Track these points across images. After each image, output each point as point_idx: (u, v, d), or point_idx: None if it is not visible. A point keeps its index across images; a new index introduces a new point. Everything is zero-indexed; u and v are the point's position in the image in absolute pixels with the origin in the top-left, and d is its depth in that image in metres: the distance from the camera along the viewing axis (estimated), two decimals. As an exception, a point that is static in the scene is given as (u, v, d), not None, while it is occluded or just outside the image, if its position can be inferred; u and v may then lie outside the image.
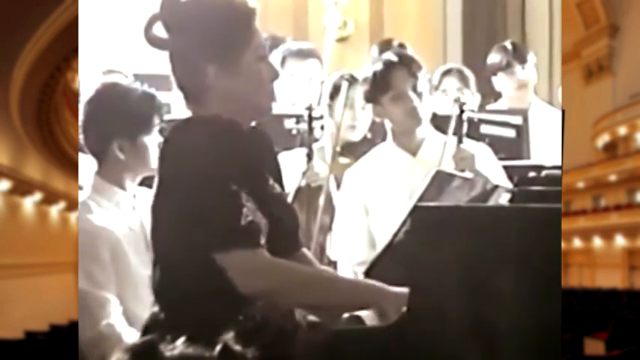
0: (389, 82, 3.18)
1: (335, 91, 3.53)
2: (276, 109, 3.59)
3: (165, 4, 2.09)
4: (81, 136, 2.79)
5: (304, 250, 2.25)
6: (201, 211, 1.96)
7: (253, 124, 2.17)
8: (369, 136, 3.59)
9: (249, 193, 2.00)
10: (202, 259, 1.97)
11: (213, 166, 1.97)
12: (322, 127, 3.54)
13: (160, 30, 2.10)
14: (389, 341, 1.98)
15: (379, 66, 3.21)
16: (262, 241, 2.00)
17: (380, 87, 3.19)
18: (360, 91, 3.48)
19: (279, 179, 2.20)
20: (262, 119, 2.18)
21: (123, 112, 2.70)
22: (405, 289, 2.02)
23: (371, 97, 3.23)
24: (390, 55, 3.23)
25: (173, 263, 2.03)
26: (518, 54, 4.24)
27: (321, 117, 3.56)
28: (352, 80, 3.50)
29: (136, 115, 2.70)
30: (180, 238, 2.00)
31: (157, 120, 2.71)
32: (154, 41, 2.10)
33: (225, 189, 1.97)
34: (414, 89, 3.17)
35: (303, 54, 4.00)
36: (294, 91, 3.95)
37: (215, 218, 1.96)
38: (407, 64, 3.19)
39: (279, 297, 2.00)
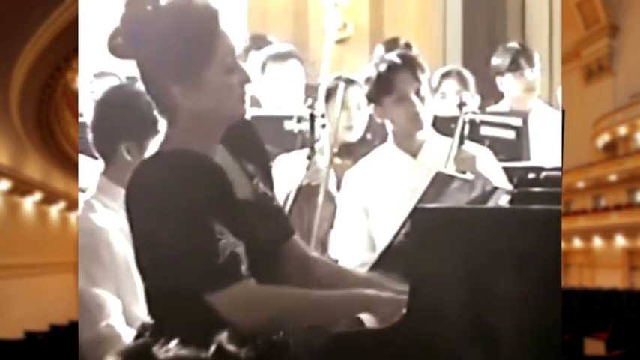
0: (392, 84, 3.16)
1: (330, 93, 3.53)
2: (265, 112, 3.60)
3: (124, 20, 2.07)
4: (90, 136, 2.78)
5: (295, 237, 2.23)
6: (177, 255, 1.95)
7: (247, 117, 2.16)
8: (368, 137, 3.59)
9: (224, 222, 1.98)
10: (189, 293, 1.97)
11: (179, 205, 1.95)
12: (323, 126, 3.54)
13: (122, 42, 2.08)
14: (389, 343, 1.98)
15: (383, 67, 3.19)
16: (243, 269, 1.98)
17: (383, 89, 3.18)
18: (355, 91, 3.48)
19: (264, 170, 2.19)
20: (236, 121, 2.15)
21: (132, 115, 2.70)
22: (401, 295, 2.03)
23: (373, 97, 3.22)
24: (395, 57, 3.21)
25: (160, 281, 2.02)
26: (528, 56, 4.23)
27: (323, 116, 3.56)
28: (347, 82, 3.50)
29: (145, 117, 2.69)
30: (160, 264, 1.99)
31: None
32: (117, 52, 2.08)
33: (196, 228, 1.95)
34: (417, 93, 3.16)
35: (281, 56, 4.01)
36: (277, 94, 3.96)
37: (193, 262, 1.95)
38: (411, 66, 3.18)
39: (276, 325, 1.97)
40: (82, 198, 2.79)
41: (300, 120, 3.53)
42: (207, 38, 2.05)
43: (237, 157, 2.14)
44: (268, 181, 2.20)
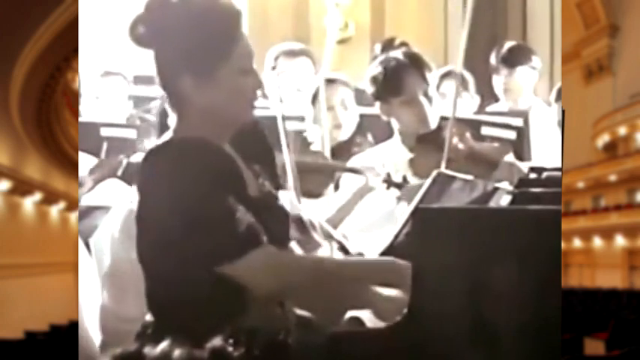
0: (401, 85, 3.17)
1: (315, 96, 3.52)
2: (271, 109, 3.60)
3: (149, 8, 2.09)
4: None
5: (291, 245, 2.25)
6: (196, 227, 1.97)
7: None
8: (357, 140, 3.59)
9: (235, 201, 2.01)
10: (198, 271, 1.99)
11: (196, 183, 1.98)
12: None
13: (144, 30, 2.10)
14: (390, 342, 1.98)
15: (391, 67, 3.19)
16: (264, 238, 2.01)
17: (391, 89, 3.18)
18: (335, 90, 3.47)
19: (270, 172, 2.21)
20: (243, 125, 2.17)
21: None
22: (402, 293, 2.03)
23: (379, 96, 3.22)
24: (403, 57, 3.21)
25: (164, 275, 2.04)
26: (509, 58, 4.23)
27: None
28: (327, 81, 3.49)
29: None
30: (169, 253, 2.01)
31: None
32: (139, 39, 2.10)
33: (214, 201, 1.98)
34: (425, 94, 3.17)
35: (293, 53, 4.02)
36: (283, 89, 3.95)
37: (214, 232, 1.97)
38: (420, 67, 3.18)
39: (290, 295, 2.03)
40: (82, 197, 2.78)
41: (298, 120, 3.53)
42: (228, 37, 2.08)
43: (244, 157, 2.15)
44: (274, 182, 2.21)
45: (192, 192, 1.98)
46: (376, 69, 3.23)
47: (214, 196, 1.99)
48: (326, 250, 2.99)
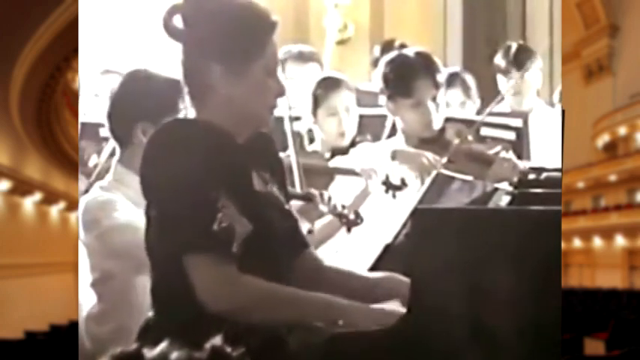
0: (412, 88, 3.16)
1: (317, 100, 3.48)
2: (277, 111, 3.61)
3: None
4: (106, 122, 2.77)
5: (310, 249, 2.23)
6: (177, 214, 1.97)
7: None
8: (368, 137, 3.58)
9: (232, 197, 2.00)
10: (178, 261, 1.98)
11: (191, 169, 1.98)
12: (312, 140, 3.53)
13: (178, 21, 2.10)
14: (389, 343, 1.98)
15: (404, 67, 3.18)
16: (234, 249, 1.98)
17: (401, 90, 3.17)
18: (341, 96, 3.44)
19: (279, 181, 2.21)
20: (259, 129, 2.18)
21: (146, 96, 2.69)
22: (381, 306, 2.03)
23: (388, 94, 3.22)
24: (417, 57, 3.21)
25: (164, 266, 2.04)
26: (518, 59, 4.21)
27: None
28: (333, 84, 3.45)
29: (159, 98, 2.67)
30: (165, 242, 2.01)
31: (181, 105, 2.69)
32: (171, 30, 2.10)
33: (201, 193, 1.97)
34: (434, 99, 3.17)
35: (303, 57, 3.98)
36: (293, 95, 3.94)
37: (188, 221, 1.96)
38: (432, 72, 3.17)
39: (245, 316, 1.98)
40: (99, 191, 2.75)
41: (295, 119, 3.52)
42: (260, 40, 2.11)
43: (255, 164, 2.14)
44: (283, 191, 2.21)
45: (188, 177, 1.97)
46: (388, 67, 3.22)
47: (203, 186, 1.97)
48: (331, 223, 2.97)
